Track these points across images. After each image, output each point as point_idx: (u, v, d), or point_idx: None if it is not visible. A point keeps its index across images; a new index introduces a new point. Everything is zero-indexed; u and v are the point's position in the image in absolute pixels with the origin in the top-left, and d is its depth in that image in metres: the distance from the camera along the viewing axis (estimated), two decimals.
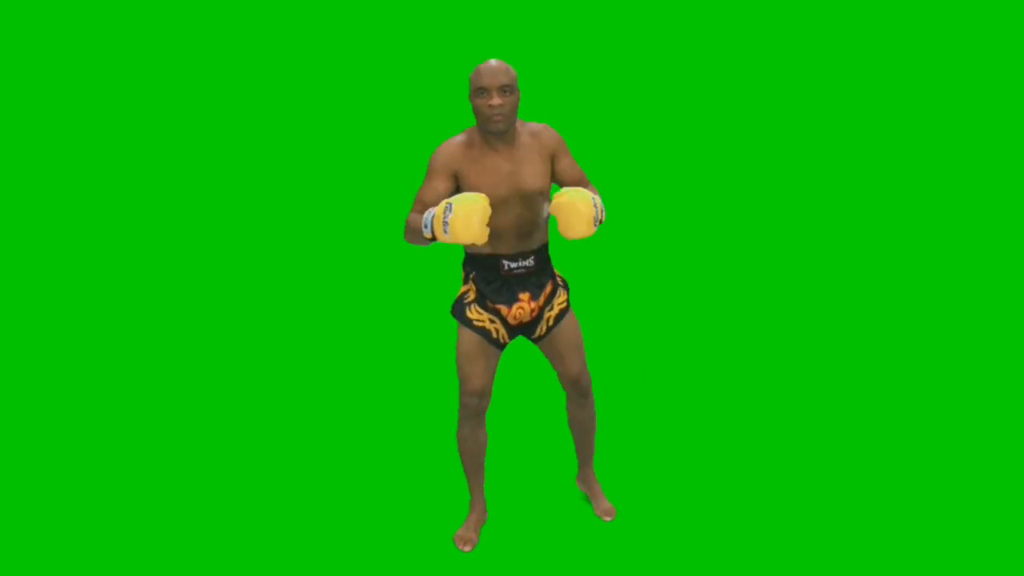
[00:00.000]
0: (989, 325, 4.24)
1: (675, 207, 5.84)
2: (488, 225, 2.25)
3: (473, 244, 2.22)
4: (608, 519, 2.88)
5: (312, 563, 2.69)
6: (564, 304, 2.63)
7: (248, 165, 6.19)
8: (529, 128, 2.48)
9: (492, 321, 2.54)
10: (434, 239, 2.27)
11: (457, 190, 2.44)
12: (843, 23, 6.15)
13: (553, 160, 2.50)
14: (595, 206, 2.31)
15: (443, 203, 2.22)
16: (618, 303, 4.75)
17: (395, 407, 3.70)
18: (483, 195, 2.25)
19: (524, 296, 2.53)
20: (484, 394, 2.59)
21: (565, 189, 2.33)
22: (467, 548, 2.74)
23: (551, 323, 2.61)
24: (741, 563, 2.66)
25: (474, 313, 2.54)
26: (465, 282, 2.58)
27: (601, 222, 2.37)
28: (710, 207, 5.84)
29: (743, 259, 5.20)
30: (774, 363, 3.99)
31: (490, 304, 2.53)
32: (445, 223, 2.20)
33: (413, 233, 2.36)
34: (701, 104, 6.38)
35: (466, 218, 2.18)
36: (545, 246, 2.56)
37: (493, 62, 2.34)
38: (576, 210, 2.28)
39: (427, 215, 2.28)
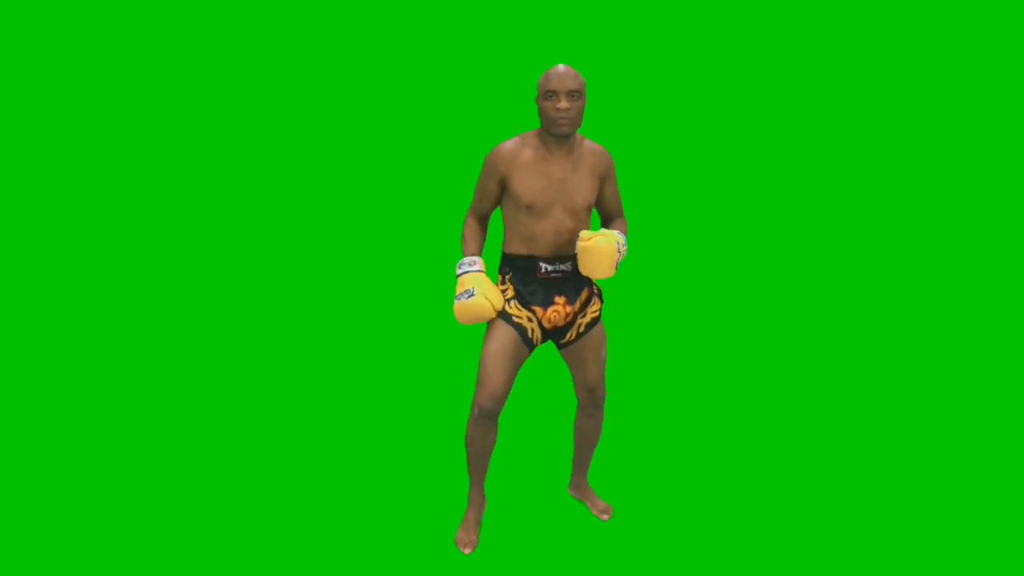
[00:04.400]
0: (991, 327, 4.27)
1: (675, 220, 5.87)
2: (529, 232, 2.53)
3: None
4: (605, 517, 2.91)
5: (311, 561, 2.69)
6: (597, 313, 2.66)
7: (269, 165, 6.15)
8: (589, 145, 2.55)
9: (530, 320, 2.57)
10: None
11: (504, 191, 2.55)
12: (855, 28, 6.17)
13: (602, 182, 2.57)
14: (618, 250, 2.43)
15: (473, 283, 2.51)
16: (622, 310, 4.76)
17: (404, 403, 3.71)
18: (494, 308, 2.52)
19: (560, 300, 2.57)
20: (502, 398, 2.58)
21: (593, 233, 2.43)
22: (468, 550, 2.71)
23: (582, 330, 2.64)
24: (739, 564, 2.70)
25: (514, 309, 2.57)
26: (502, 283, 2.61)
27: (621, 258, 2.49)
28: (714, 220, 5.84)
29: (743, 270, 5.22)
30: (770, 371, 4.02)
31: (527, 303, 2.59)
32: (458, 297, 2.52)
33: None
34: (708, 114, 6.40)
35: (465, 315, 2.52)
36: None
37: (562, 67, 2.43)
38: (600, 254, 2.42)
39: (462, 265, 2.57)
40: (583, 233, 2.43)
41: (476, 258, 2.57)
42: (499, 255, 2.91)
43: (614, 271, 2.45)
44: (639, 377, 4.05)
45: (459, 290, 2.53)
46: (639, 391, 3.90)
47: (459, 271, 2.56)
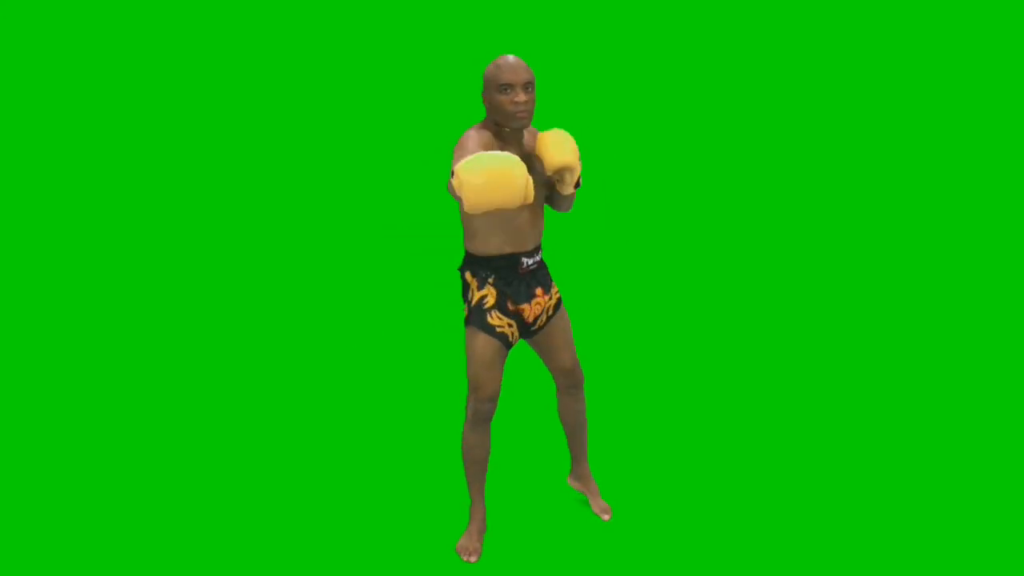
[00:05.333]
0: (988, 325, 4.25)
1: (665, 203, 5.86)
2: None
3: (509, 204, 2.17)
4: (606, 517, 2.88)
5: (309, 570, 2.67)
6: (559, 294, 2.66)
7: (248, 167, 6.16)
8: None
9: (510, 325, 2.54)
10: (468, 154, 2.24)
11: None
12: (841, 24, 6.17)
13: None
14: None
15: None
16: (608, 299, 4.76)
17: (391, 413, 3.68)
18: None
19: (539, 291, 2.56)
20: (496, 398, 2.59)
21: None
22: (473, 559, 2.71)
23: (551, 312, 2.63)
24: (740, 559, 2.67)
25: (495, 319, 2.52)
26: (480, 287, 2.52)
27: (578, 182, 2.46)
28: (701, 202, 5.86)
29: (735, 255, 5.22)
30: (766, 357, 4.01)
31: (510, 307, 2.53)
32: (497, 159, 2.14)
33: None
34: (689, 102, 6.39)
35: (495, 184, 2.13)
36: None
37: (511, 59, 2.32)
38: (563, 135, 2.34)
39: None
40: (541, 133, 2.40)
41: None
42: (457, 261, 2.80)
43: (577, 159, 2.36)
44: (638, 376, 4.03)
45: (461, 181, 2.15)
46: (638, 390, 3.88)
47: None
